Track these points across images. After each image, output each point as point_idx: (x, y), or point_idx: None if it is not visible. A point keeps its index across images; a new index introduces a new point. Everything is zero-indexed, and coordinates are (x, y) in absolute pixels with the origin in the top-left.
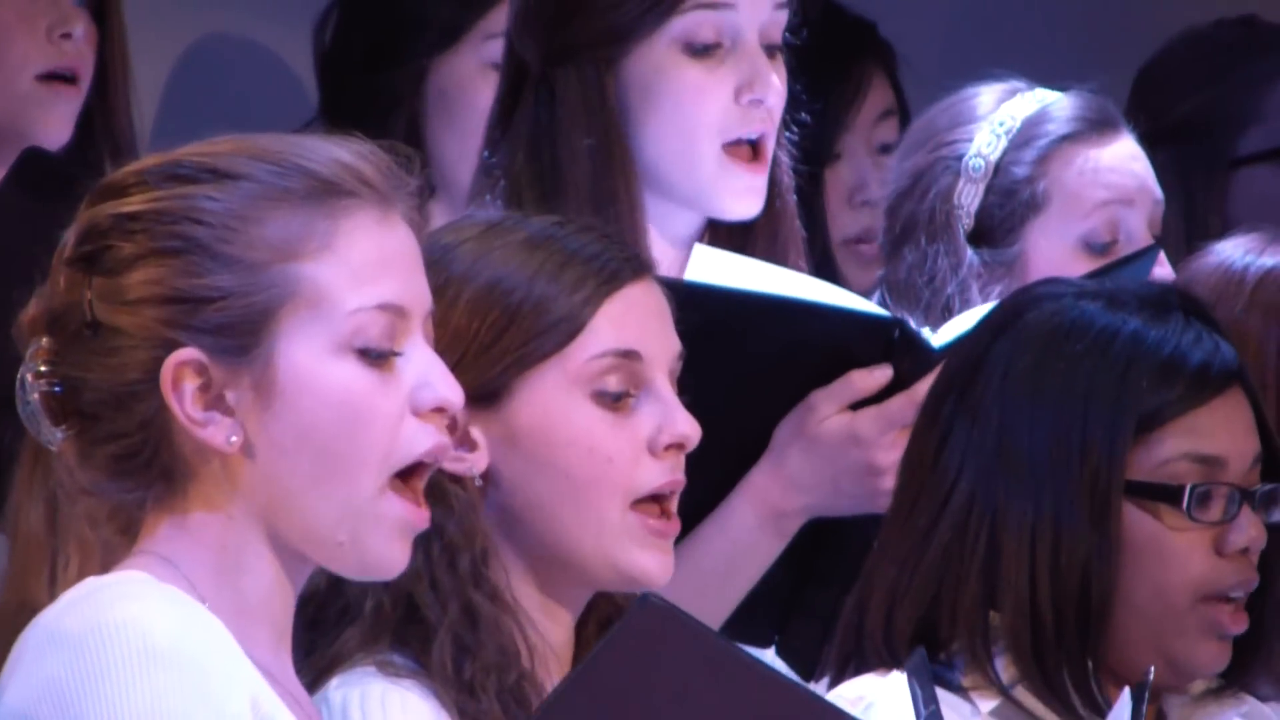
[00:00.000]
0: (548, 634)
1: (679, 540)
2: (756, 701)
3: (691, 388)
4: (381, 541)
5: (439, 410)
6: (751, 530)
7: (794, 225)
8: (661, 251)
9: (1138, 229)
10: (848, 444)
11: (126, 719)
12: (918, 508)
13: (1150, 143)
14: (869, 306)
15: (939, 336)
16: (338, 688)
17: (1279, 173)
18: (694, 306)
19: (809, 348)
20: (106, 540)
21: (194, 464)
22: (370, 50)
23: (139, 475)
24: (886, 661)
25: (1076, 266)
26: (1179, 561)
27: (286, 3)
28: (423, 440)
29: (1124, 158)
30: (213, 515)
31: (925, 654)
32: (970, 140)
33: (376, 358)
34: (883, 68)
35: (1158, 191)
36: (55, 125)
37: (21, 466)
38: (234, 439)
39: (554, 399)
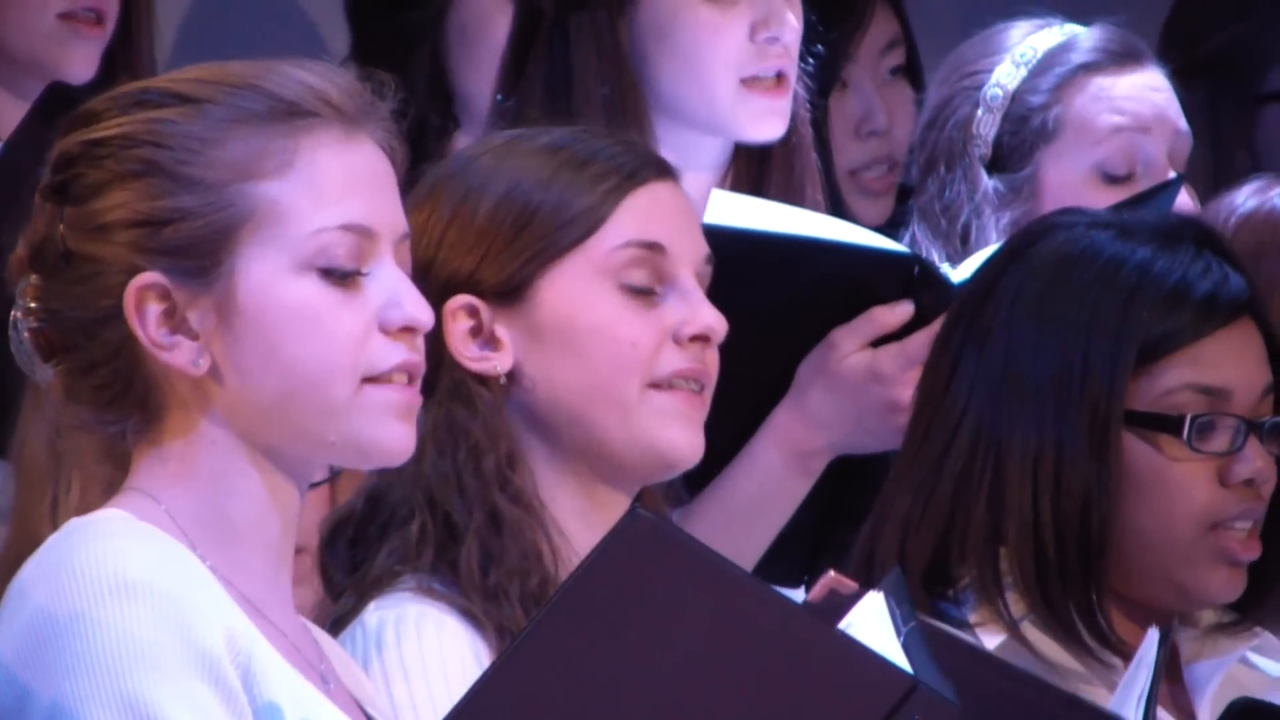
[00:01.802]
0: (579, 539)
1: (706, 483)
2: (746, 613)
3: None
4: (372, 429)
5: (408, 330)
6: (777, 470)
7: (810, 157)
8: (690, 181)
9: (1156, 158)
10: (869, 381)
11: (99, 648)
12: (929, 437)
13: (1179, 79)
14: (887, 243)
15: (958, 272)
16: (374, 611)
17: None
18: (713, 249)
19: (829, 286)
20: (105, 476)
21: (166, 391)
22: None
23: (117, 406)
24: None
25: (1092, 196)
26: (1182, 491)
27: None
28: (391, 355)
29: (1142, 87)
30: (192, 442)
31: (900, 572)
32: (992, 71)
33: (341, 278)
34: (887, 1)
35: (1180, 123)
36: (79, 63)
37: (26, 397)
38: (200, 361)
39: (578, 289)
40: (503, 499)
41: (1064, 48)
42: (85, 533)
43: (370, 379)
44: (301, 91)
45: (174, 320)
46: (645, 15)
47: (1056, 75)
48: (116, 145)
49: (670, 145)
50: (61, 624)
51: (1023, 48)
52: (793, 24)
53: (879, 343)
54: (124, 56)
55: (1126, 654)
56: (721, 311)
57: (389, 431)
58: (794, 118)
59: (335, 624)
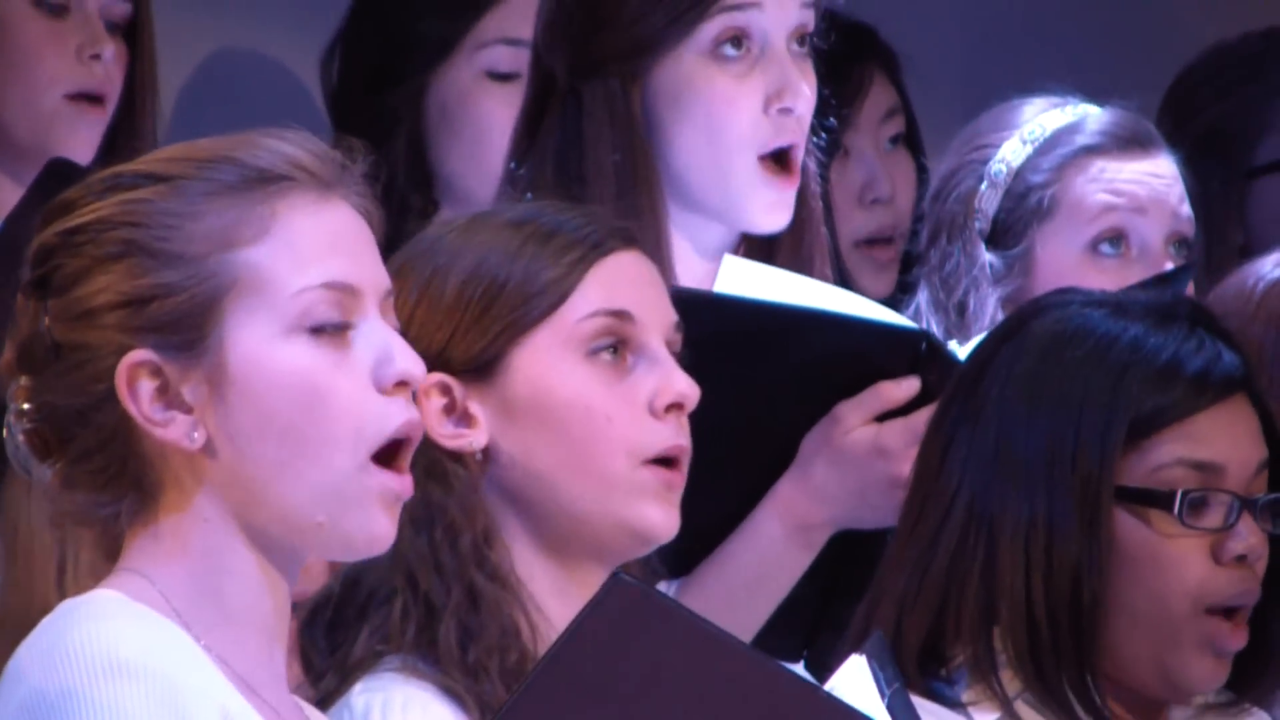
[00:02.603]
0: (556, 615)
1: (707, 554)
2: (732, 677)
3: (718, 399)
4: (363, 515)
5: (402, 384)
6: (778, 542)
7: (820, 231)
8: (689, 265)
9: (1151, 240)
10: (873, 456)
11: None
12: (924, 515)
13: (1181, 160)
14: (896, 318)
15: (966, 349)
16: (360, 693)
17: None
18: (722, 318)
19: (836, 359)
20: (91, 564)
21: (161, 469)
22: (369, 75)
23: (113, 488)
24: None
25: (1085, 275)
26: (1175, 569)
27: (300, 18)
28: (394, 416)
29: (1142, 172)
30: (186, 520)
31: (882, 636)
32: (999, 146)
33: (331, 334)
34: (884, 68)
35: (1182, 209)
36: (80, 144)
37: (11, 474)
38: (195, 435)
39: (548, 363)
40: (480, 576)
41: (1071, 129)
42: (78, 613)
43: (375, 451)
44: (273, 159)
45: (167, 396)
46: (659, 83)
47: (1059, 155)
48: (94, 230)
49: (678, 224)
50: (54, 703)
51: (1032, 125)
52: (806, 95)
53: (884, 418)
54: (126, 133)
55: None
56: (728, 381)
57: (377, 521)
58: (805, 190)
59: (319, 705)
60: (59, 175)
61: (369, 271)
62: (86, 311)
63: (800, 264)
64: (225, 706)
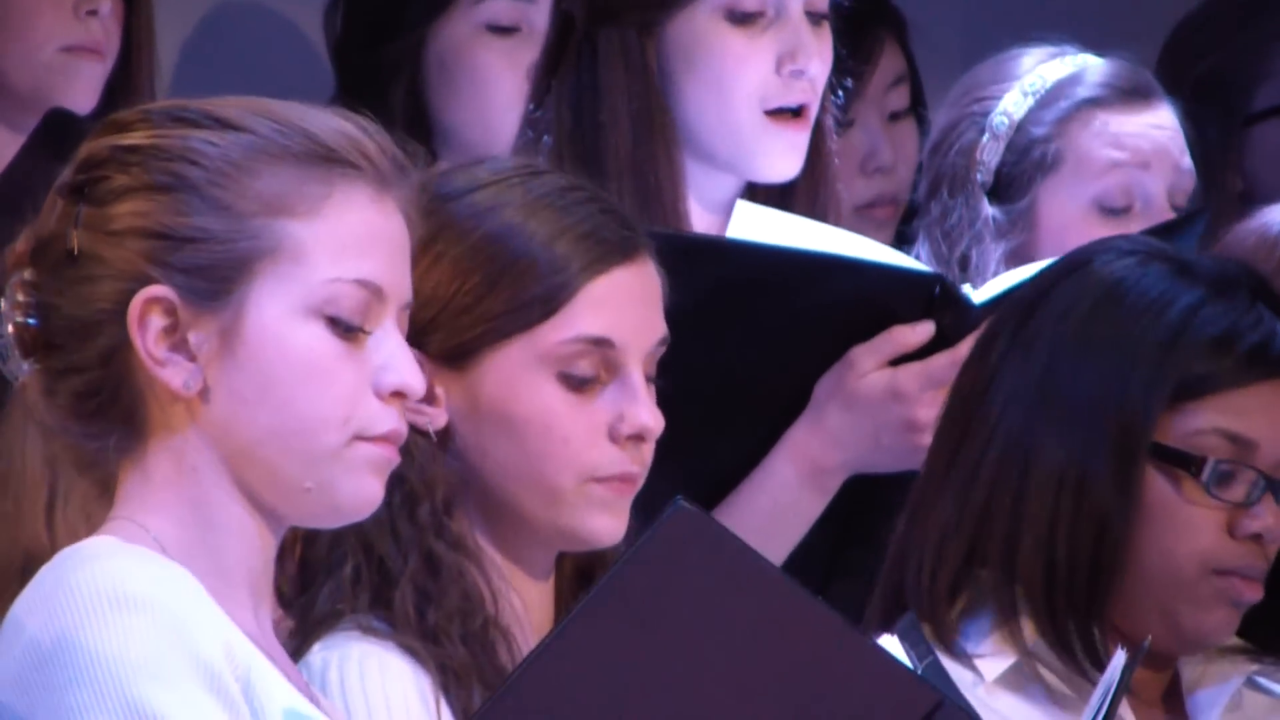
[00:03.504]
0: (520, 587)
1: (721, 499)
2: (784, 613)
3: (733, 345)
4: (352, 482)
5: (398, 395)
6: (792, 488)
7: (835, 189)
8: (700, 216)
9: (1155, 194)
10: (888, 399)
11: (100, 660)
12: (966, 440)
13: (1179, 109)
14: (910, 262)
15: (981, 293)
16: (318, 651)
17: None
18: (734, 263)
19: (850, 304)
20: (89, 493)
21: (152, 408)
22: (370, 27)
23: (100, 417)
24: (926, 613)
25: (1089, 229)
26: (1188, 532)
27: None
28: (383, 421)
29: (1145, 124)
30: (177, 469)
31: (915, 616)
32: (1000, 98)
33: (346, 330)
34: (894, 34)
35: (1183, 161)
36: (79, 93)
37: (13, 401)
38: (191, 384)
39: (519, 374)
40: (440, 544)
41: (1071, 80)
42: (77, 556)
43: (361, 437)
44: (341, 140)
45: (174, 338)
46: (673, 37)
47: (1060, 109)
48: (148, 154)
49: (691, 179)
50: (61, 640)
51: (1032, 77)
52: (820, 57)
53: (898, 362)
54: (123, 88)
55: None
56: (742, 327)
57: (367, 485)
58: (820, 148)
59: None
60: (58, 125)
61: (399, 280)
62: (119, 231)
63: (815, 219)
64: (229, 641)
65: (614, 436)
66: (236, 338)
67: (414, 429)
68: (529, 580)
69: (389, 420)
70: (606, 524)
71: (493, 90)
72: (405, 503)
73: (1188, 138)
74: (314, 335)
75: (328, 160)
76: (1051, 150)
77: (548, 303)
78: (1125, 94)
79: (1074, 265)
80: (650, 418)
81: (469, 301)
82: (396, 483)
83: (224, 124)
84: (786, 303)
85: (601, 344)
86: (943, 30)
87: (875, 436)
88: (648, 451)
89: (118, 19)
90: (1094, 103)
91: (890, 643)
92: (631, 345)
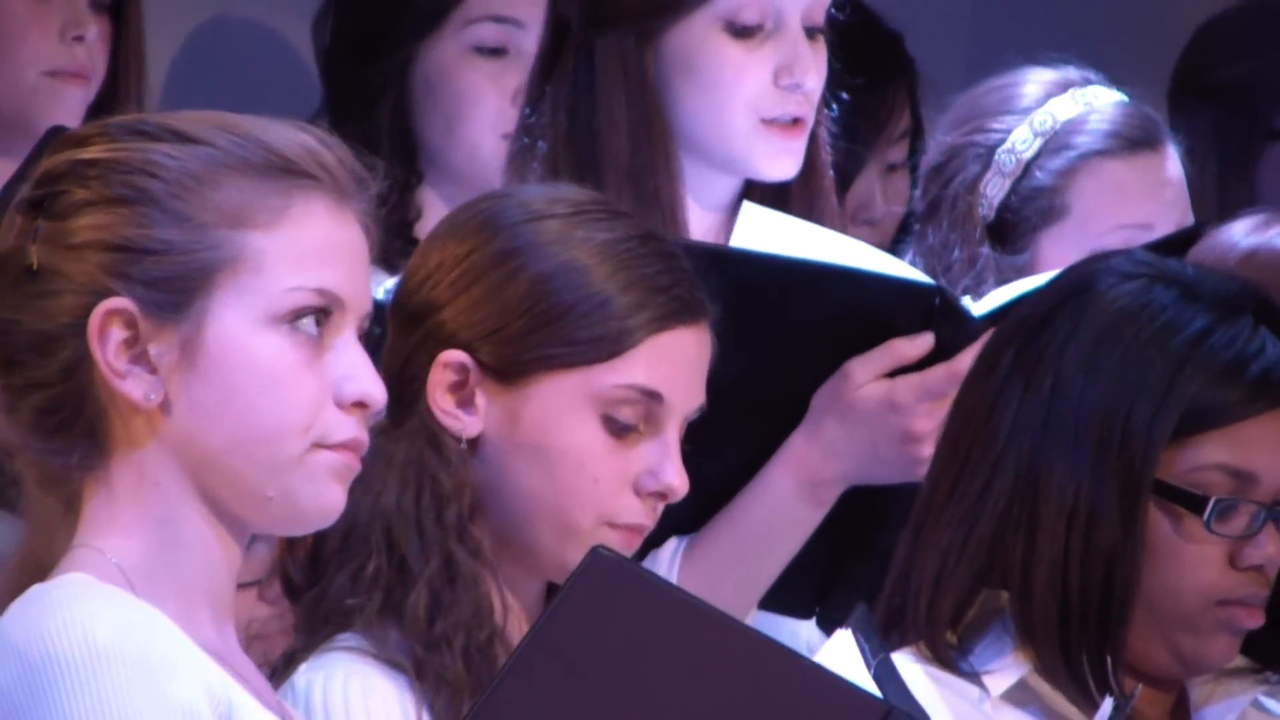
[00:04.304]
0: (520, 594)
1: (718, 510)
2: (716, 647)
3: (731, 353)
4: (314, 489)
5: (360, 405)
6: (789, 498)
7: (830, 200)
8: (700, 216)
9: None
10: (884, 410)
11: (77, 716)
12: (969, 465)
13: (1187, 99)
14: (911, 273)
15: (980, 305)
16: (304, 672)
17: None
18: (734, 273)
19: (850, 314)
20: (50, 509)
21: (114, 422)
22: (357, 44)
23: (62, 433)
24: (923, 634)
25: None
26: (1190, 567)
27: None
28: (343, 430)
29: (1152, 183)
30: (140, 483)
31: (867, 608)
32: (1007, 131)
33: (309, 337)
34: (907, 88)
35: (1186, 217)
36: (63, 117)
37: None
38: (152, 396)
39: (566, 406)
40: (460, 550)
41: (1080, 125)
42: (50, 599)
43: (321, 445)
44: (300, 152)
45: (134, 350)
46: (671, 46)
47: (1067, 158)
48: (108, 168)
49: (689, 180)
50: (36, 695)
51: (1042, 114)
52: (817, 70)
53: (896, 374)
54: (110, 108)
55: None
56: (742, 336)
57: (329, 492)
58: (816, 159)
59: (288, 659)
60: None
61: (360, 291)
62: (78, 244)
63: None
64: (207, 680)
65: (639, 489)
66: (198, 349)
67: (449, 432)
68: (516, 605)
69: (349, 429)
70: None
71: (477, 112)
72: (434, 502)
73: (1206, 141)
74: (275, 345)
75: (287, 172)
76: (1057, 202)
77: (613, 345)
78: (1133, 144)
79: (1078, 287)
80: (679, 481)
81: (534, 325)
82: (428, 481)
83: (183, 137)
84: (785, 312)
85: (652, 397)
86: (946, 48)
87: (872, 448)
88: (660, 510)
89: (105, 41)
90: (1102, 154)
91: (843, 637)
92: (677, 405)
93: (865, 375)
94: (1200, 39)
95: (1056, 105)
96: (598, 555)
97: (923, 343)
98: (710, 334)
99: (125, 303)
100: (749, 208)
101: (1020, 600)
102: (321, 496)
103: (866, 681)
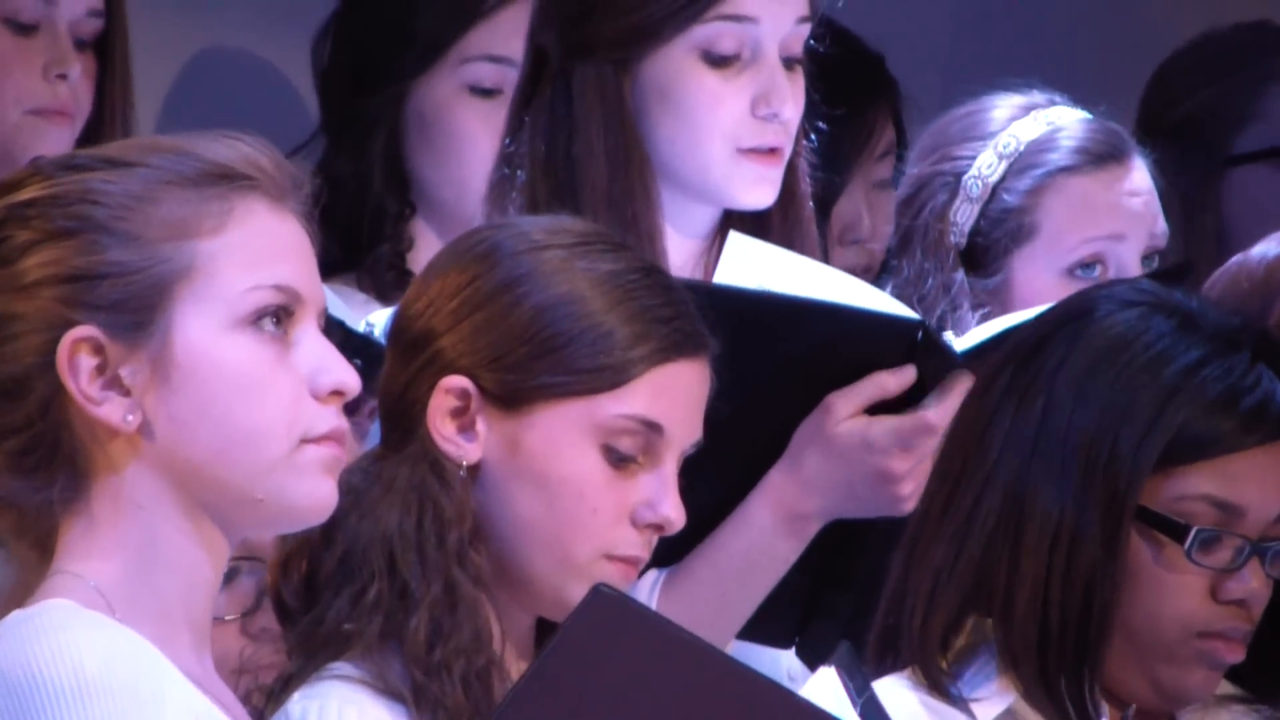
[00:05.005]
0: (512, 626)
1: (697, 543)
2: (712, 684)
3: (721, 388)
4: (305, 485)
5: (336, 394)
6: (768, 531)
7: (810, 230)
8: (678, 246)
9: (1128, 261)
10: (862, 450)
11: None
12: (961, 485)
13: (1151, 140)
14: (894, 307)
15: (963, 340)
16: (298, 700)
17: (1276, 173)
18: (717, 308)
19: (831, 349)
20: (23, 557)
21: (93, 450)
22: (353, 72)
23: (43, 470)
24: (916, 656)
25: (1063, 294)
26: (1171, 596)
27: (286, 16)
28: (324, 421)
29: (1120, 193)
30: (121, 508)
31: (851, 646)
32: (973, 158)
33: (274, 334)
34: (889, 105)
35: (1158, 224)
36: (49, 152)
37: None
38: (130, 418)
39: (568, 435)
40: (462, 575)
41: (1045, 144)
42: (33, 626)
43: (307, 440)
44: (234, 157)
45: (106, 375)
46: (649, 75)
47: (1034, 177)
48: (47, 205)
49: (667, 208)
50: None
51: (1006, 137)
52: (794, 101)
53: (879, 408)
54: (97, 144)
55: None
56: (725, 370)
57: (320, 487)
58: (795, 190)
59: (284, 683)
60: None
61: (314, 284)
62: (30, 284)
63: None
64: (194, 711)
65: (636, 520)
66: (168, 363)
67: (449, 458)
68: (509, 636)
69: (330, 419)
70: None
71: (469, 151)
72: (436, 527)
73: (1168, 174)
74: (243, 347)
75: (224, 178)
76: (1026, 222)
77: (616, 375)
78: (1099, 159)
79: (1077, 313)
80: (676, 514)
81: (537, 352)
82: (430, 506)
83: (116, 163)
84: (768, 347)
85: (652, 428)
86: (921, 64)
87: (849, 484)
88: (655, 542)
89: (90, 78)
90: (1067, 170)
91: (827, 675)
92: (677, 438)
93: (847, 409)
94: (1154, 82)
95: (1019, 127)
96: (599, 593)
97: (905, 376)
98: (710, 369)
99: (89, 330)
100: (735, 237)
101: (1002, 621)
102: (314, 492)
103: (853, 718)
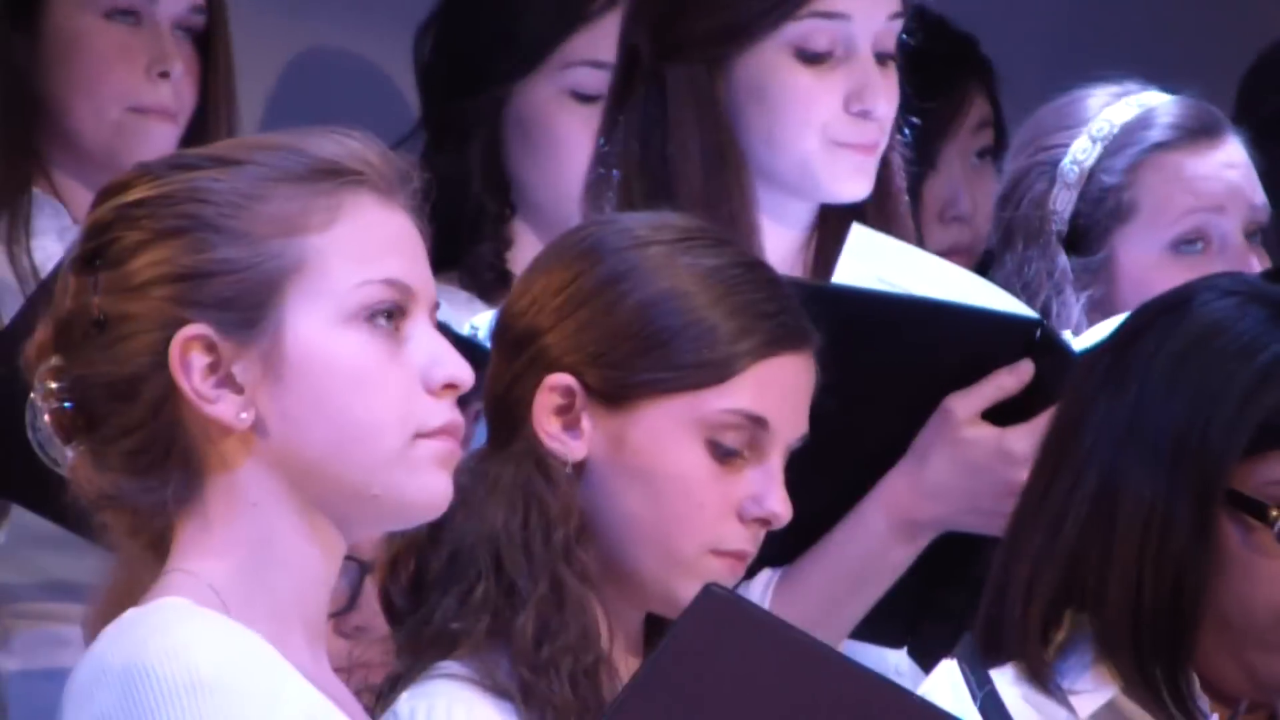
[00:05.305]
0: (622, 623)
1: (810, 544)
2: (827, 686)
3: (829, 388)
4: (419, 480)
5: (450, 387)
6: (884, 537)
7: (907, 224)
8: (776, 242)
9: (1230, 235)
10: (994, 459)
11: None
12: (1059, 474)
13: (1252, 142)
14: (1011, 305)
15: (1081, 340)
16: (407, 700)
17: None
18: (831, 309)
19: (948, 348)
20: (136, 556)
21: (207, 449)
22: (454, 73)
23: (157, 470)
24: (1018, 648)
25: (1168, 272)
26: (1263, 582)
27: (388, 14)
28: (438, 415)
29: (1217, 165)
30: (236, 506)
31: (972, 638)
32: (1068, 145)
33: (386, 329)
34: (982, 84)
35: (1257, 197)
36: (151, 153)
37: None
38: (244, 415)
39: (673, 431)
40: (568, 573)
41: (1139, 124)
42: (149, 624)
43: (421, 434)
44: (341, 152)
45: (218, 373)
46: (742, 73)
47: (1130, 155)
48: (155, 204)
49: (763, 204)
50: None
51: (1099, 122)
52: (888, 97)
53: (1000, 410)
54: (202, 142)
55: None
56: (839, 371)
57: (435, 482)
58: (890, 184)
59: (391, 685)
60: None
61: (424, 278)
62: (141, 284)
63: None
64: (310, 710)
65: (742, 515)
66: (279, 360)
67: (554, 455)
68: (619, 634)
69: (444, 413)
70: None
71: (568, 156)
72: (542, 525)
73: (1260, 172)
74: (355, 342)
75: (332, 173)
76: (1125, 199)
77: (721, 370)
78: (1194, 134)
79: (1174, 304)
80: (783, 508)
81: (641, 348)
82: (535, 504)
83: (223, 162)
84: (884, 347)
85: (758, 423)
86: (1024, 71)
87: (973, 494)
88: (761, 537)
89: (193, 77)
90: (1163, 146)
91: (949, 668)
92: (782, 432)
93: (967, 412)
94: (1249, 74)
95: (1112, 112)
96: (710, 592)
97: (1023, 371)
98: (814, 363)
99: (201, 328)
100: (858, 230)
101: (1096, 610)
102: (429, 487)
103: (972, 714)
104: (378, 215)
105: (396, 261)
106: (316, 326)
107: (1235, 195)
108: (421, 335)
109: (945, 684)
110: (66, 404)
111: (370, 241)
